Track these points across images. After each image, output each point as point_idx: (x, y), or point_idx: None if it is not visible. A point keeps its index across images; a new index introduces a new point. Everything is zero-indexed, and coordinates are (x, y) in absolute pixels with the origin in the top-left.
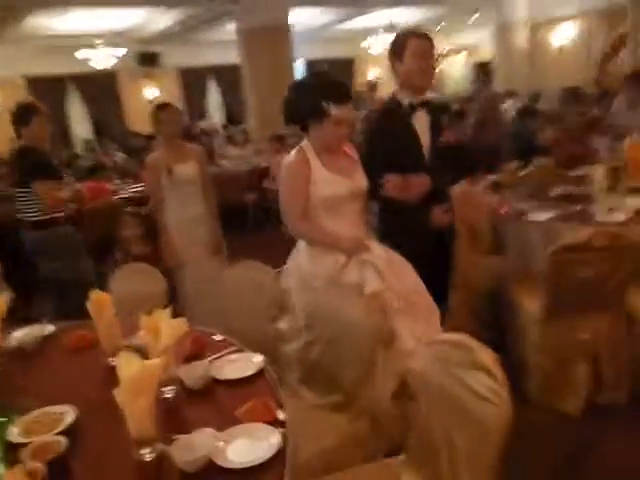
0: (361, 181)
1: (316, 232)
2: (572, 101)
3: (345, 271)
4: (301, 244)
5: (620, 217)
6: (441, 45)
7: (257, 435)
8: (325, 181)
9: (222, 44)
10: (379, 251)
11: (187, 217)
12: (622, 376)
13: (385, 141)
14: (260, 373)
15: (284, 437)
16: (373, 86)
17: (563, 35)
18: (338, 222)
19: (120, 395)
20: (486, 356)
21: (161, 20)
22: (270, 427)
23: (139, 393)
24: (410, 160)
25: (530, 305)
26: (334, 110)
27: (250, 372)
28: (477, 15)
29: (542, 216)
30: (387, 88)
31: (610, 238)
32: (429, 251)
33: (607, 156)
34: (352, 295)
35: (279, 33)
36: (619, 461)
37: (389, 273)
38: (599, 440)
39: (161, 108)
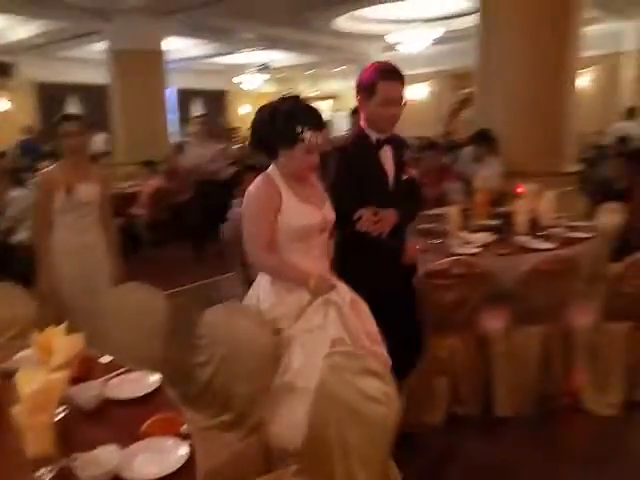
0: (330, 212)
1: (283, 266)
2: (428, 149)
3: (308, 311)
4: (263, 278)
5: (472, 250)
6: (309, 90)
7: (163, 448)
8: (296, 211)
9: (88, 62)
10: (344, 291)
11: (79, 244)
12: (475, 390)
13: (355, 174)
14: (157, 391)
15: (192, 448)
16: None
17: (418, 91)
18: (305, 256)
19: (19, 411)
20: (375, 362)
21: (20, 30)
22: (176, 440)
23: (40, 408)
24: (377, 194)
25: None
26: (308, 136)
27: (146, 391)
28: (344, 67)
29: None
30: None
31: (466, 266)
32: (396, 288)
33: (459, 198)
34: (246, 313)
35: (151, 58)
36: (476, 462)
37: (353, 316)
38: (459, 445)
39: (66, 119)
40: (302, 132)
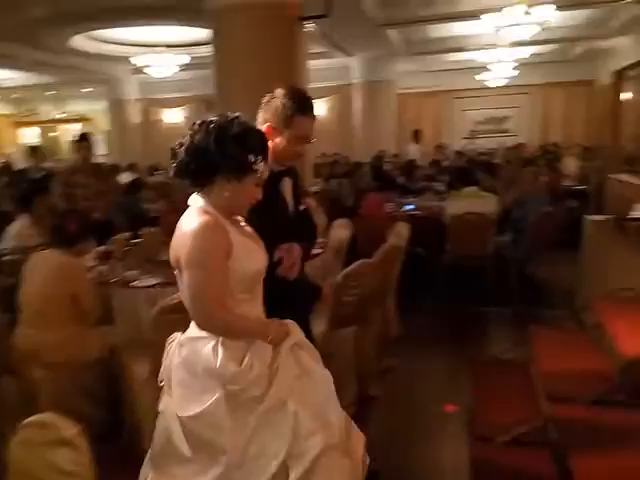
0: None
1: (240, 321)
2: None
3: (280, 370)
4: (200, 342)
5: None
6: (54, 112)
7: None
8: (247, 252)
9: None
10: (298, 330)
11: None
12: None
13: (263, 208)
14: None
15: None
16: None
17: (175, 115)
18: (252, 304)
19: None
20: (69, 431)
21: None
22: None
23: None
24: (280, 227)
25: (139, 370)
26: (261, 167)
27: None
28: (91, 89)
29: (148, 282)
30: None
31: None
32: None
33: None
34: None
35: None
36: None
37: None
38: None
39: None
40: (255, 162)
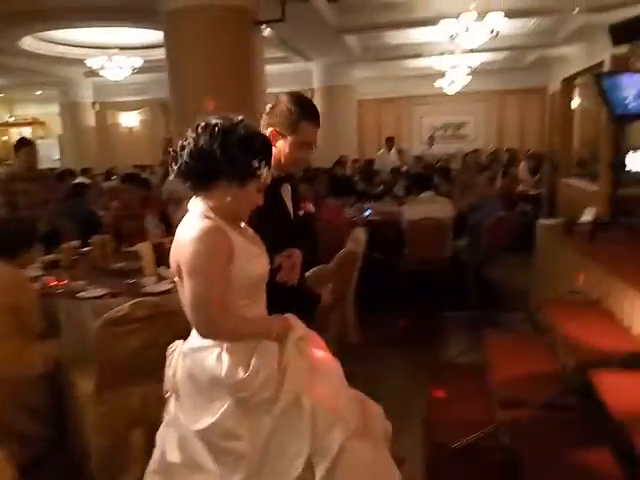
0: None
1: (244, 324)
2: (129, 180)
3: (289, 368)
4: (203, 353)
5: (165, 286)
6: (5, 115)
7: None
8: (249, 257)
9: None
10: (299, 323)
11: None
12: None
13: (263, 214)
14: None
15: None
16: None
17: (131, 119)
18: (254, 311)
19: None
20: None
21: None
22: None
23: None
24: (281, 234)
25: (85, 385)
26: (264, 173)
27: None
28: (42, 92)
29: (96, 292)
30: None
31: (150, 308)
32: None
33: (157, 233)
34: None
35: None
36: None
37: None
38: None
39: None
40: (259, 167)
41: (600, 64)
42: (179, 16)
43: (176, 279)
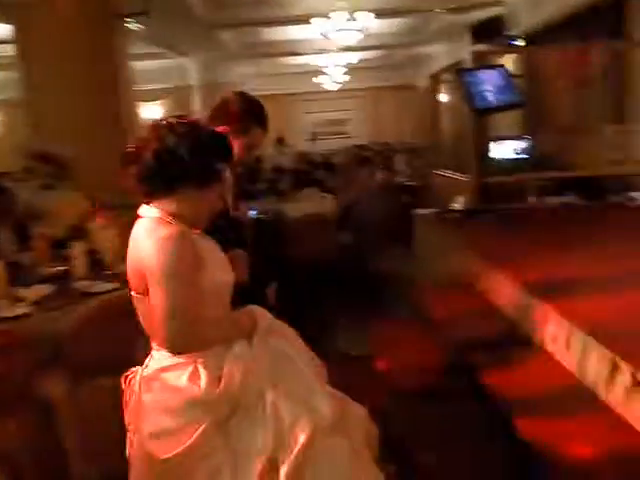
0: None
1: (216, 330)
2: None
3: (256, 359)
4: (174, 373)
5: (21, 310)
6: None
7: None
8: (216, 264)
9: None
10: (264, 313)
11: None
12: (48, 471)
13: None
14: None
15: None
16: None
17: None
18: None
19: None
20: None
21: None
22: None
23: None
24: (226, 234)
25: None
26: (226, 175)
27: None
28: None
29: None
30: None
31: (2, 336)
32: None
33: (9, 248)
34: None
35: None
36: None
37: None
38: None
39: None
40: (221, 170)
41: (462, 61)
42: (30, 8)
43: (133, 294)
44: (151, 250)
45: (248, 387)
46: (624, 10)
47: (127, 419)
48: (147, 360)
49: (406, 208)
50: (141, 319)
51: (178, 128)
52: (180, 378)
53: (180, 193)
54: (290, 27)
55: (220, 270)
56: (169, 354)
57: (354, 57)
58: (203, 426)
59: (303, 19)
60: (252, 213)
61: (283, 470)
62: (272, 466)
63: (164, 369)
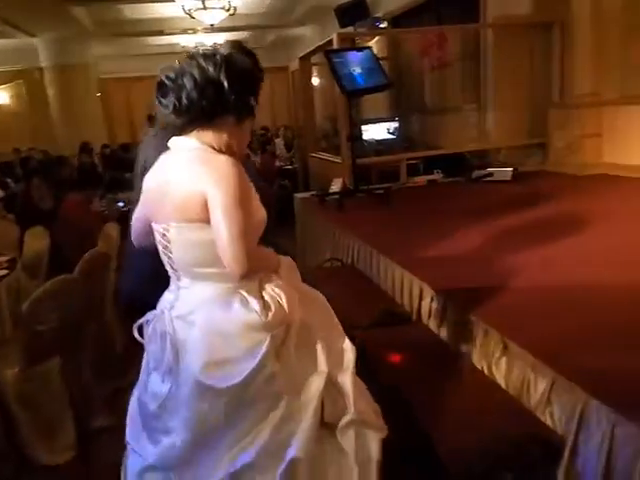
0: None
1: (262, 257)
2: None
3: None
4: (222, 302)
5: None
6: None
7: None
8: (257, 199)
9: None
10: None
11: None
12: None
13: None
14: None
15: None
16: None
17: None
18: None
19: None
20: None
21: None
22: None
23: None
24: None
25: None
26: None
27: None
28: None
29: None
30: None
31: None
32: None
33: None
34: None
35: None
36: None
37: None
38: None
39: None
40: (256, 104)
41: (330, 42)
42: None
43: (173, 225)
44: (211, 177)
45: (294, 312)
46: None
47: (151, 366)
48: (168, 302)
49: (285, 191)
50: (178, 253)
51: (215, 56)
52: (231, 305)
53: (218, 124)
54: (153, 5)
55: (259, 206)
56: (211, 285)
57: (222, 38)
58: (264, 349)
59: None
60: (120, 205)
61: (341, 378)
62: (331, 380)
63: (209, 301)
